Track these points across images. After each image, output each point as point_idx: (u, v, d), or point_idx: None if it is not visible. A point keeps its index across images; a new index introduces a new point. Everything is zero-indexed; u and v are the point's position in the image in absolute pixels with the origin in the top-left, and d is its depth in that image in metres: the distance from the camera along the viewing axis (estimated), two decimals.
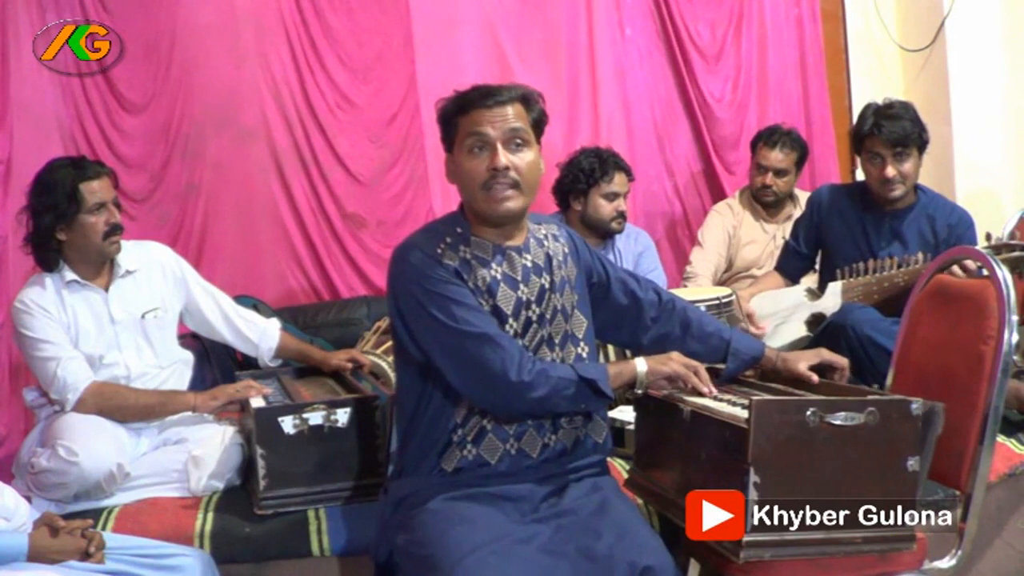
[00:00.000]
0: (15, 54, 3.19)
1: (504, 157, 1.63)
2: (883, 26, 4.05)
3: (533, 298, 1.70)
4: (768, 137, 3.44)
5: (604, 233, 3.16)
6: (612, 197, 3.12)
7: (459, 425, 1.67)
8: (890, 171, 2.60)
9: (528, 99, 1.70)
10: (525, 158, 1.66)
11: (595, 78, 3.80)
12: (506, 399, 1.62)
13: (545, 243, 1.77)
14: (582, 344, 1.77)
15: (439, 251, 1.66)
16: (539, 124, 1.72)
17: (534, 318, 1.70)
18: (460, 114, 1.68)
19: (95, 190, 2.28)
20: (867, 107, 2.69)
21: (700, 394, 1.71)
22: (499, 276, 1.68)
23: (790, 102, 3.99)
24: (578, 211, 3.16)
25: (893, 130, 2.57)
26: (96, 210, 2.28)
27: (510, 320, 1.67)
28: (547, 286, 1.72)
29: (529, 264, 1.72)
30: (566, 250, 1.80)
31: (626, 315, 1.87)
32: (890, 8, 4.06)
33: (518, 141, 1.66)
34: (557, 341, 1.73)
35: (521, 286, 1.69)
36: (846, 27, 4.08)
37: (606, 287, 1.86)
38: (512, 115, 1.66)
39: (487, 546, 1.52)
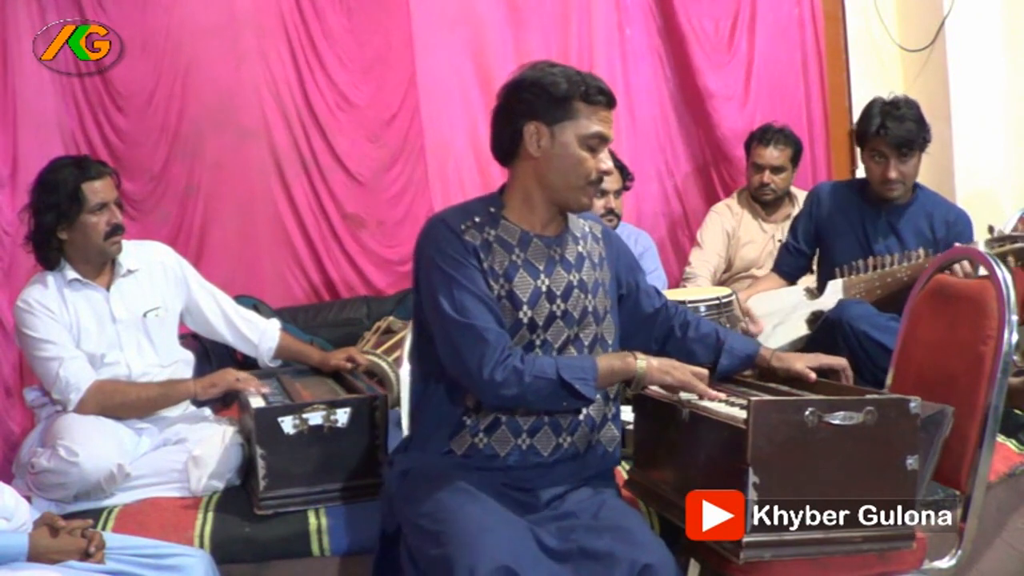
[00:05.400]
0: (16, 54, 3.19)
1: (609, 162, 1.68)
2: (883, 26, 4.04)
3: (558, 292, 1.69)
4: (761, 136, 3.45)
5: None
6: (600, 194, 3.10)
7: (471, 410, 1.67)
8: (892, 173, 2.60)
9: None
10: (611, 167, 1.72)
11: None
12: (480, 391, 1.63)
13: (581, 242, 1.76)
14: (611, 350, 1.77)
15: (463, 227, 1.66)
16: None
17: (558, 313, 1.69)
18: (582, 99, 1.65)
19: (97, 190, 2.28)
20: (873, 104, 2.67)
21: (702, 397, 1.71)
22: (519, 262, 1.68)
23: (791, 102, 3.98)
24: None
25: (899, 133, 2.56)
26: (98, 210, 2.28)
27: (525, 307, 1.66)
28: (575, 283, 1.71)
29: (557, 257, 1.71)
30: (603, 253, 1.80)
31: (647, 322, 1.89)
32: (890, 8, 4.06)
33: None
34: (587, 343, 1.72)
35: (543, 276, 1.68)
36: (846, 27, 4.08)
37: (635, 297, 1.87)
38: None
39: (500, 528, 1.52)
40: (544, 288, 1.68)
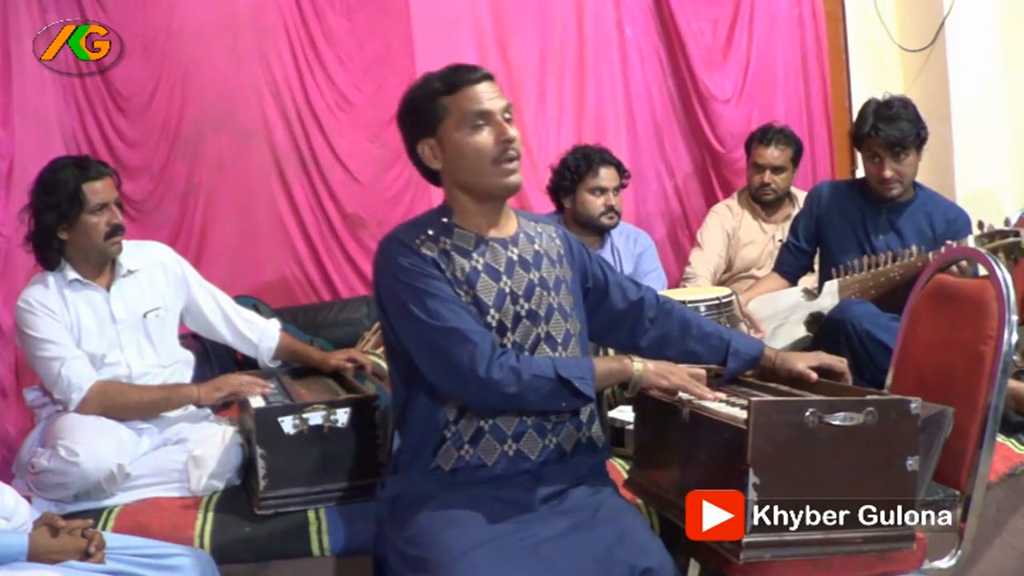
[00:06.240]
0: (16, 54, 3.19)
1: (511, 129, 1.63)
2: (883, 26, 4.05)
3: (520, 292, 1.68)
4: (762, 136, 3.45)
5: (597, 229, 3.16)
6: (599, 192, 3.12)
7: (451, 422, 1.66)
8: (888, 172, 2.65)
9: (493, 79, 1.70)
10: (516, 132, 1.66)
11: (595, 78, 3.81)
12: (478, 394, 1.60)
13: (537, 241, 1.75)
14: (581, 346, 1.76)
15: (417, 242, 1.65)
16: None
17: (523, 313, 1.67)
18: (446, 94, 1.65)
19: (98, 190, 2.28)
20: (867, 105, 2.71)
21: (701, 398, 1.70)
22: (480, 267, 1.66)
23: (791, 102, 3.99)
24: (570, 209, 3.17)
25: (891, 133, 2.60)
26: (98, 210, 2.28)
27: (491, 311, 1.65)
28: (536, 282, 1.70)
29: (515, 257, 1.70)
30: (561, 251, 1.78)
31: (624, 319, 1.87)
32: (890, 8, 4.06)
33: (508, 116, 1.66)
34: (559, 340, 1.71)
35: (504, 278, 1.67)
36: (846, 27, 4.08)
37: (604, 291, 1.85)
38: (497, 91, 1.66)
39: (480, 548, 1.52)
40: (507, 290, 1.67)
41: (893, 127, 2.60)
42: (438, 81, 1.67)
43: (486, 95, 1.64)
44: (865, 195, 2.78)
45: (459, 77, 1.65)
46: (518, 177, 1.66)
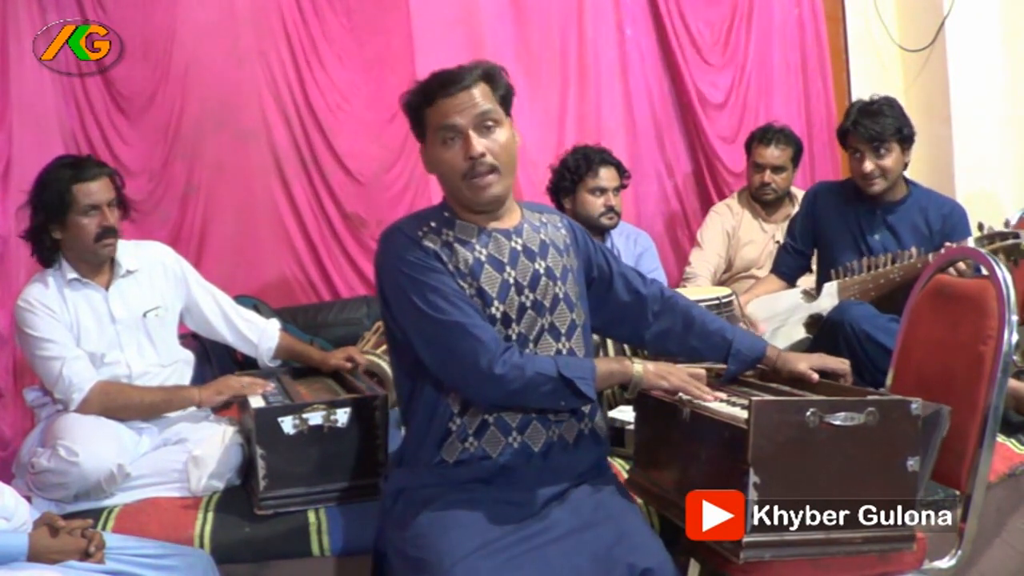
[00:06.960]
0: (15, 54, 3.19)
1: (478, 144, 1.61)
2: (883, 26, 4.05)
3: (525, 282, 1.68)
4: (762, 136, 3.46)
5: (597, 230, 3.17)
6: (599, 192, 3.13)
7: (456, 415, 1.66)
8: (868, 166, 2.66)
9: (491, 76, 1.67)
10: (499, 139, 1.64)
11: (595, 78, 3.81)
12: (481, 389, 1.61)
13: (542, 230, 1.75)
14: (585, 336, 1.76)
15: (420, 234, 1.65)
16: (507, 99, 1.69)
17: (528, 304, 1.67)
18: (426, 105, 1.65)
19: (90, 191, 2.27)
20: (852, 105, 2.76)
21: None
22: (483, 258, 1.66)
23: (791, 102, 3.99)
24: (569, 210, 3.17)
25: (870, 127, 2.63)
26: (88, 212, 2.26)
27: (495, 303, 1.65)
28: (542, 271, 1.69)
29: (519, 247, 1.69)
30: (567, 240, 1.78)
31: (628, 311, 1.86)
32: (890, 8, 4.07)
33: (488, 123, 1.64)
34: (563, 331, 1.71)
35: (508, 268, 1.67)
36: (846, 27, 4.09)
37: (608, 282, 1.85)
38: (479, 97, 1.63)
39: (481, 550, 1.52)
40: (512, 280, 1.67)
41: (874, 122, 2.63)
42: (419, 92, 1.67)
43: (456, 107, 1.62)
44: (860, 195, 2.79)
45: (433, 89, 1.65)
46: (494, 190, 1.65)
